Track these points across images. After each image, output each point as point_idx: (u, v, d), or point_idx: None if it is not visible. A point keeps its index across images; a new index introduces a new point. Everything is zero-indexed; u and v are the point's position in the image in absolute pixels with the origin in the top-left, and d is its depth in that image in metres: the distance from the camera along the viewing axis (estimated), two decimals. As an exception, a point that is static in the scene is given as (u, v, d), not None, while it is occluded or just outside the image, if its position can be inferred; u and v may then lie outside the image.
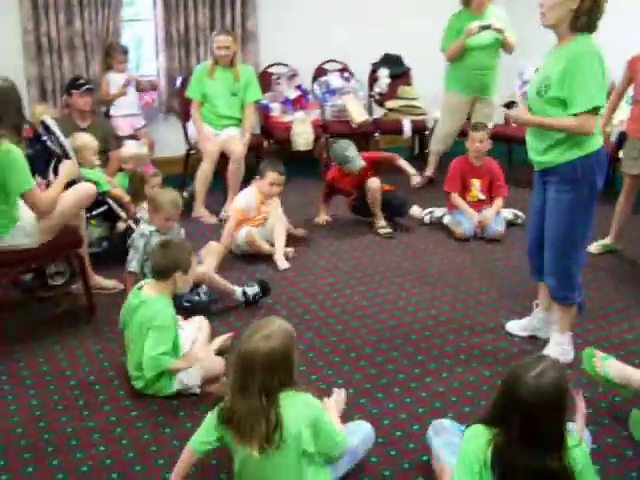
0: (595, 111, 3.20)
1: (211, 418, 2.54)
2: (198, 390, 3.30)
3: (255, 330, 2.46)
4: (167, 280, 3.30)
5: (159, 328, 3.20)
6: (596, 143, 3.30)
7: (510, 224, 5.45)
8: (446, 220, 5.45)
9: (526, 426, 2.20)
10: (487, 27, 5.74)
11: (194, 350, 3.45)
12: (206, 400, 3.22)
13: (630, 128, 4.87)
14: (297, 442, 2.44)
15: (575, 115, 3.19)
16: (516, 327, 3.89)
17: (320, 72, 6.85)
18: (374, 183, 5.31)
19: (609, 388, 3.15)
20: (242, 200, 4.96)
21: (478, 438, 2.32)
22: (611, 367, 3.05)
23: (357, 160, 5.27)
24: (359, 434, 2.78)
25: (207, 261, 4.34)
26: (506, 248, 5.11)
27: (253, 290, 4.17)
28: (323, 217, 5.55)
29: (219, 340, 3.64)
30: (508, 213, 5.49)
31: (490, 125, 5.81)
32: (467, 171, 5.44)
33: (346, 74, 6.80)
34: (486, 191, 5.45)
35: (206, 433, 2.56)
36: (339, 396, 2.94)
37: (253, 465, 2.48)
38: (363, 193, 5.36)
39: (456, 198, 5.39)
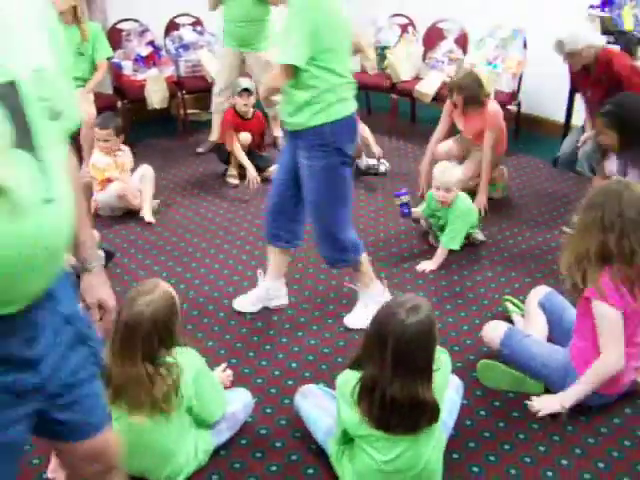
0: (290, 68, 3.02)
1: None
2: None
3: (137, 295, 2.42)
4: None
5: None
6: (343, 110, 3.16)
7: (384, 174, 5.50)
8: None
9: (399, 359, 2.24)
10: None
11: None
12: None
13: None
14: (181, 400, 2.45)
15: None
16: (245, 303, 3.72)
17: (172, 26, 6.59)
18: (245, 139, 5.33)
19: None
20: (93, 160, 4.82)
21: (350, 380, 2.36)
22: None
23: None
24: (239, 401, 2.79)
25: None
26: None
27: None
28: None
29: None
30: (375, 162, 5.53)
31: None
32: None
33: (199, 28, 6.58)
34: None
35: None
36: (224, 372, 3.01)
37: (128, 424, 2.44)
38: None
39: None
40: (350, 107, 3.22)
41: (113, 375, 2.39)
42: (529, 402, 2.92)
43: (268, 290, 3.66)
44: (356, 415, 2.35)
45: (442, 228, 4.23)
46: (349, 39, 3.22)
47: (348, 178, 3.31)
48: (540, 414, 2.87)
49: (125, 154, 4.91)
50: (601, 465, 2.67)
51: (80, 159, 5.30)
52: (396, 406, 2.27)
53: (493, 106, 4.81)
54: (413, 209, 4.33)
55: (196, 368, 2.51)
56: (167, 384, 2.39)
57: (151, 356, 2.40)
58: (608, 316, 2.74)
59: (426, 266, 4.09)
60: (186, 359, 2.49)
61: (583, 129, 4.85)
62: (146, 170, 4.91)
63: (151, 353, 2.40)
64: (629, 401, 2.99)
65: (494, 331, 3.11)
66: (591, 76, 4.54)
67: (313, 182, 3.26)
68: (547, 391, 3.00)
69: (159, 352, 2.42)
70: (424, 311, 2.27)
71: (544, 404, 2.89)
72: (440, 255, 4.13)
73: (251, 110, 5.42)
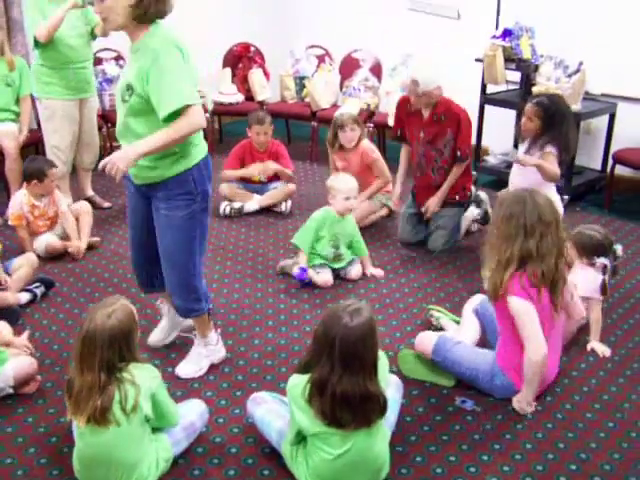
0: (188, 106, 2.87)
1: None
2: (11, 390, 3.22)
3: (98, 308, 2.59)
4: None
5: None
6: (201, 152, 3.11)
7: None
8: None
9: (348, 358, 2.47)
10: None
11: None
12: (23, 402, 3.20)
13: None
14: (141, 412, 2.58)
15: (171, 117, 2.87)
16: (157, 338, 3.70)
17: (95, 61, 6.62)
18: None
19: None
20: (12, 205, 4.73)
21: (298, 384, 2.57)
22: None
23: None
24: (194, 411, 2.93)
25: (21, 271, 4.15)
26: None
27: (40, 290, 4.15)
28: None
29: (23, 339, 3.52)
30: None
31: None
32: (250, 157, 5.59)
33: (121, 62, 6.71)
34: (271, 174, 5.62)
35: None
36: None
37: (93, 438, 2.58)
38: None
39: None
40: (204, 147, 3.16)
41: (74, 385, 2.55)
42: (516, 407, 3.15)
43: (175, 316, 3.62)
44: (309, 414, 2.54)
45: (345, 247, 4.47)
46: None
47: (206, 225, 3.25)
48: (529, 412, 3.13)
49: (51, 206, 4.77)
50: (535, 438, 2.93)
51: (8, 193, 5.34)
52: (347, 401, 2.48)
53: (365, 142, 5.29)
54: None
55: (153, 386, 2.65)
56: (109, 397, 2.51)
57: (108, 366, 2.55)
58: (523, 308, 3.02)
59: (376, 273, 4.47)
60: (143, 374, 2.63)
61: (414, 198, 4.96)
62: (82, 206, 4.93)
63: (109, 363, 2.54)
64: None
65: (426, 340, 3.37)
66: (428, 116, 4.66)
67: (172, 232, 3.14)
68: (458, 385, 3.30)
69: (117, 364, 2.57)
70: (365, 313, 2.52)
71: (523, 409, 3.13)
72: (369, 263, 4.51)
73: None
